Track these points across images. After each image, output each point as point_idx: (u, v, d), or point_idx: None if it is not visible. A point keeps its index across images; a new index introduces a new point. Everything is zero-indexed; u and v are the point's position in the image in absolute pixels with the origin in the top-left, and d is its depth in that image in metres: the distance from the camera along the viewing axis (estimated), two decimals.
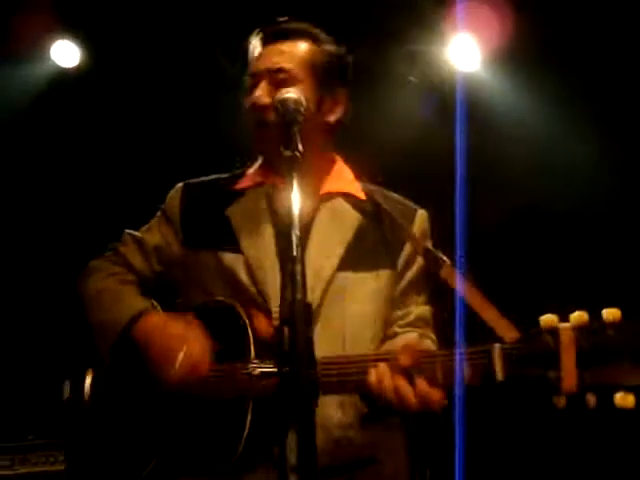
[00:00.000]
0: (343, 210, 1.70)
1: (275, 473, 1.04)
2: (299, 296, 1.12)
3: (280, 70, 1.66)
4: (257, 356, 1.47)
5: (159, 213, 1.83)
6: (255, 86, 1.68)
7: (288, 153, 1.38)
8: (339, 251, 1.64)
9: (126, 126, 3.96)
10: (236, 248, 1.66)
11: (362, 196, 1.74)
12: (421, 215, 1.76)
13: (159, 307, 1.70)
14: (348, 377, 1.42)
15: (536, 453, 3.81)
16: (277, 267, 1.60)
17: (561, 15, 3.59)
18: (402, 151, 3.69)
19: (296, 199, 1.27)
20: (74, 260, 1.88)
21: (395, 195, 1.80)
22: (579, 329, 1.28)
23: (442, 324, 1.75)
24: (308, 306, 1.12)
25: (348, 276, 1.63)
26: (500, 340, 1.36)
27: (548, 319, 1.31)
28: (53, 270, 3.56)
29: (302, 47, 1.70)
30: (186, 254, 1.73)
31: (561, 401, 1.27)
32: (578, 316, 1.29)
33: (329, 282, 1.61)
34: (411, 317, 1.70)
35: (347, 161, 1.82)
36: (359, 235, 1.67)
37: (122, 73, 3.89)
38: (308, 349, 1.08)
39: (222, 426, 1.47)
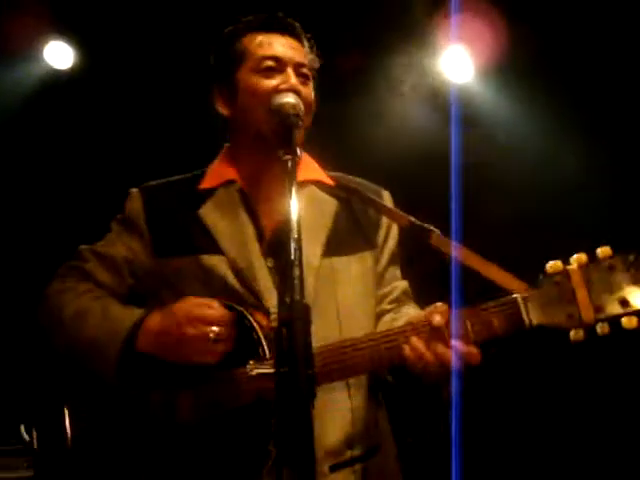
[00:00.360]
0: (318, 197, 1.71)
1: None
2: (297, 297, 1.13)
3: (302, 65, 1.68)
4: (272, 355, 1.46)
5: (116, 224, 1.73)
6: (279, 71, 1.65)
7: (287, 157, 1.38)
8: (321, 238, 1.65)
9: (119, 128, 3.95)
10: (215, 249, 1.62)
11: (331, 182, 1.75)
12: (387, 194, 1.81)
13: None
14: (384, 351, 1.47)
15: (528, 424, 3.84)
16: (265, 266, 1.60)
17: (553, 28, 3.64)
18: (395, 162, 3.70)
19: (295, 205, 1.27)
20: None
21: (359, 179, 1.81)
22: (584, 267, 1.45)
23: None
24: (307, 307, 1.12)
25: (334, 261, 1.64)
26: (510, 293, 1.48)
27: (555, 265, 1.46)
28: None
29: (307, 49, 1.73)
30: (159, 262, 1.65)
31: (579, 334, 1.43)
32: (578, 258, 1.46)
33: (317, 270, 1.61)
34: (397, 292, 1.74)
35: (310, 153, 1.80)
36: (337, 220, 1.69)
37: (116, 75, 3.88)
38: (307, 350, 1.08)
39: (246, 440, 1.44)
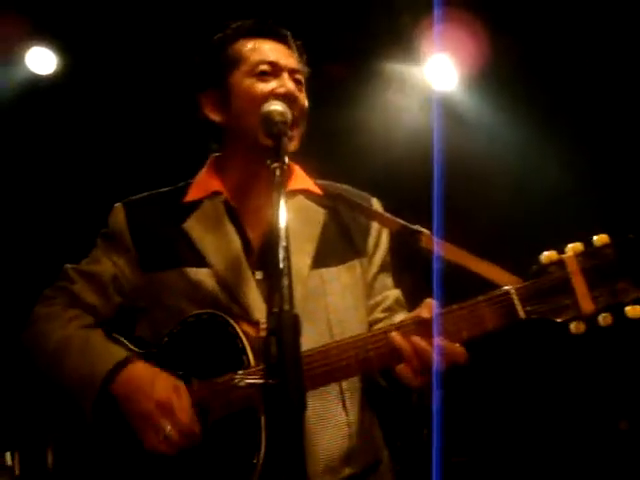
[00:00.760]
0: (306, 206, 1.68)
1: None
2: (287, 307, 1.11)
3: (296, 71, 1.67)
4: (257, 363, 1.44)
5: (101, 239, 1.69)
6: (275, 76, 1.63)
7: (276, 165, 1.36)
8: (310, 248, 1.62)
9: (103, 135, 3.91)
10: (202, 262, 1.59)
11: (319, 191, 1.72)
12: (376, 201, 1.77)
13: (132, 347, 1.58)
14: (368, 353, 1.43)
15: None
16: (253, 279, 1.58)
17: (536, 37, 3.67)
18: (379, 171, 3.71)
19: (283, 213, 1.24)
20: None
21: (346, 186, 1.79)
22: (580, 255, 1.38)
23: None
24: (296, 317, 1.11)
25: (323, 272, 1.62)
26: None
27: (549, 254, 1.41)
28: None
29: (299, 57, 1.71)
30: (145, 276, 1.62)
31: (580, 326, 1.37)
32: (574, 246, 1.40)
33: (306, 281, 1.59)
34: (389, 301, 1.71)
35: (296, 162, 1.78)
36: (325, 230, 1.66)
37: (99, 81, 3.85)
38: (296, 360, 1.07)
39: (231, 452, 1.42)
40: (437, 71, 3.94)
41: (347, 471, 1.55)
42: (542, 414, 3.90)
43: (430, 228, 1.75)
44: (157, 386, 1.46)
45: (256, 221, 1.64)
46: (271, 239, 1.21)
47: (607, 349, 3.39)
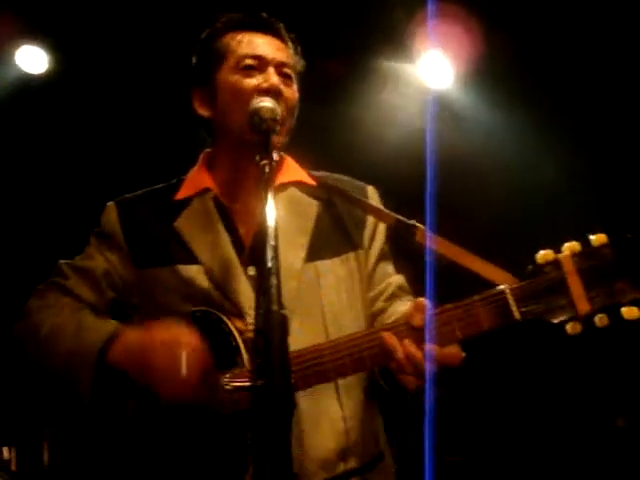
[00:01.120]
0: (299, 199, 1.66)
1: None
2: (274, 307, 1.09)
3: (285, 65, 1.63)
4: (250, 360, 1.42)
5: (94, 237, 1.70)
6: (260, 70, 1.60)
7: (264, 162, 1.35)
8: (303, 241, 1.60)
9: (95, 134, 3.90)
10: (193, 259, 1.59)
11: (313, 183, 1.70)
12: (372, 190, 1.75)
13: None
14: (362, 352, 1.41)
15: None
16: (244, 275, 1.57)
17: (531, 33, 3.66)
18: (375, 168, 3.69)
19: (271, 210, 1.23)
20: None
21: (341, 176, 1.77)
22: (577, 255, 1.36)
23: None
24: (284, 317, 1.09)
25: (317, 265, 1.60)
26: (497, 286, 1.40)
27: (545, 254, 1.38)
28: None
29: (291, 50, 1.68)
30: (138, 274, 1.63)
31: (577, 327, 1.35)
32: (571, 246, 1.38)
33: (300, 275, 1.57)
34: (392, 288, 1.68)
35: (290, 154, 1.76)
36: (319, 222, 1.64)
37: (91, 80, 3.83)
38: (283, 361, 1.05)
39: (224, 452, 1.40)
40: (432, 68, 3.92)
41: (344, 466, 1.53)
42: (538, 412, 3.90)
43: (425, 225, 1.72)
44: (156, 334, 1.44)
45: (247, 217, 1.63)
46: (260, 238, 1.19)
47: (604, 346, 3.38)
